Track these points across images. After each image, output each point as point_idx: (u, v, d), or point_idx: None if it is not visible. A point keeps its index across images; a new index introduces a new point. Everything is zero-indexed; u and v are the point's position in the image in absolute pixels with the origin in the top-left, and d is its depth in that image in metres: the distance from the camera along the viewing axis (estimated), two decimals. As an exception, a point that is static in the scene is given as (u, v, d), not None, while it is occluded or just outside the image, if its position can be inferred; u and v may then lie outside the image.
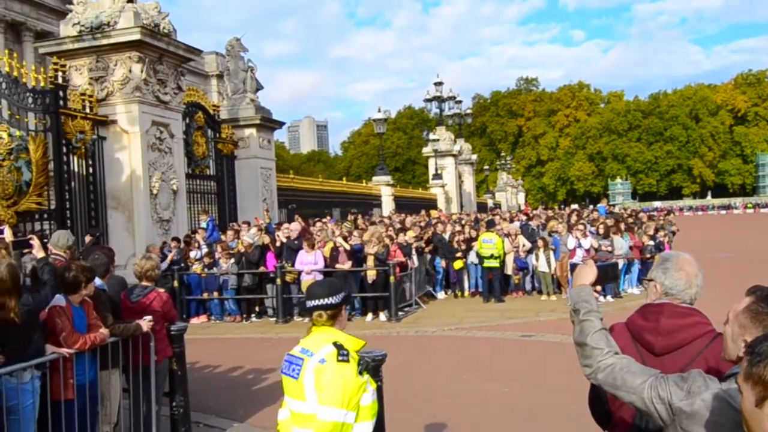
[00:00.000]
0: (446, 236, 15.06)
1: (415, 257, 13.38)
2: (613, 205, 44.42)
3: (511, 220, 17.46)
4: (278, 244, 12.70)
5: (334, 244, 12.53)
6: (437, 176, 32.15)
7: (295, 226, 13.13)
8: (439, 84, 33.17)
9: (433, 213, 22.22)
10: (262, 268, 12.42)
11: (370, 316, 12.13)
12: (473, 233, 14.93)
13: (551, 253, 13.68)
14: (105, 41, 11.41)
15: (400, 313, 12.16)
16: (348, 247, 12.39)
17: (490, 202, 46.73)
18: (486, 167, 62.36)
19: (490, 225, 14.78)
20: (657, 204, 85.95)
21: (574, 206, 49.35)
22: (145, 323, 5.19)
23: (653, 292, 2.51)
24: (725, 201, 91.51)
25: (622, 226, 15.00)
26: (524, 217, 19.01)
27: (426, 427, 6.01)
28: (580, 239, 13.35)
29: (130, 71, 11.53)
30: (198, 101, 14.82)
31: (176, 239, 12.15)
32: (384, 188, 26.98)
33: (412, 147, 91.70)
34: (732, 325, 1.95)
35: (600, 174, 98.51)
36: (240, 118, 16.71)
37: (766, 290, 1.94)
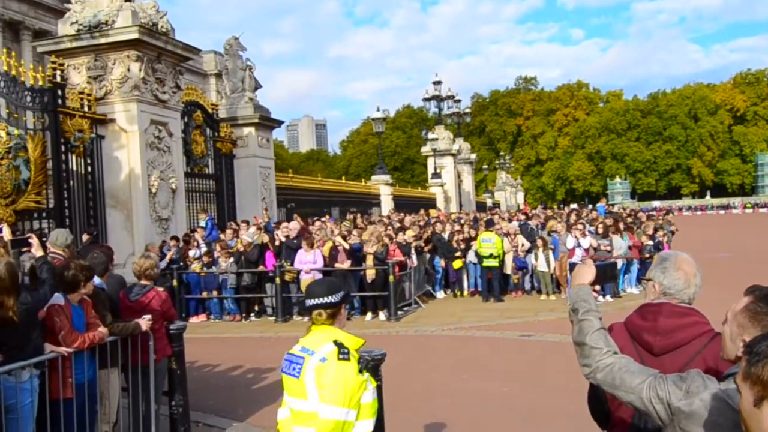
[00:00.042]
0: (445, 236, 15.06)
1: (414, 256, 13.38)
2: (612, 205, 44.39)
3: (510, 220, 17.47)
4: (277, 243, 12.70)
5: (333, 244, 12.52)
6: (436, 175, 32.15)
7: (294, 225, 13.13)
8: (437, 83, 33.14)
9: (432, 212, 22.24)
10: (261, 267, 12.42)
11: (369, 315, 12.14)
12: (472, 233, 14.93)
13: (550, 252, 13.69)
14: (103, 40, 11.40)
15: (399, 312, 12.16)
16: (347, 247, 12.40)
17: (489, 202, 46.70)
18: (485, 166, 62.30)
19: (489, 224, 14.78)
20: (656, 204, 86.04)
21: (573, 206, 49.46)
22: (144, 322, 5.19)
23: (652, 291, 2.52)
24: (724, 201, 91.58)
25: (621, 225, 15.01)
26: (523, 217, 19.02)
27: (425, 427, 6.01)
28: (579, 239, 13.36)
29: (128, 70, 11.52)
30: (196, 100, 14.81)
31: (175, 238, 12.15)
32: (383, 187, 26.97)
33: (411, 146, 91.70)
34: (730, 325, 1.95)
35: (599, 173, 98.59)
36: (238, 117, 16.70)
37: (764, 290, 1.94)
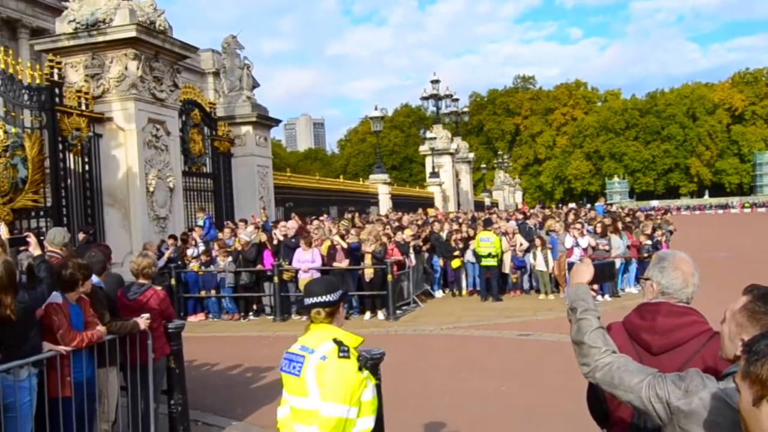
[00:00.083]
0: (443, 235, 15.07)
1: (412, 256, 13.38)
2: (611, 204, 44.46)
3: (508, 219, 17.48)
4: (275, 242, 12.69)
5: (332, 243, 12.52)
6: (434, 174, 32.15)
7: (292, 224, 13.11)
8: (435, 82, 33.12)
9: (431, 211, 22.26)
10: (259, 266, 12.41)
11: (368, 314, 12.13)
12: (470, 232, 14.93)
13: (549, 252, 13.70)
14: (101, 38, 11.38)
15: (397, 311, 12.17)
16: (345, 246, 12.39)
17: (487, 201, 46.68)
18: (483, 166, 62.27)
19: (488, 224, 14.77)
20: (654, 203, 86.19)
21: (572, 205, 49.45)
22: (143, 321, 5.18)
23: (650, 291, 2.52)
24: (722, 200, 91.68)
25: (620, 225, 15.01)
26: (521, 216, 19.03)
27: (424, 426, 6.01)
28: (577, 238, 13.37)
29: (126, 68, 11.51)
30: (194, 98, 14.80)
31: (173, 237, 12.14)
32: (381, 186, 26.95)
33: (409, 145, 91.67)
34: (729, 324, 1.95)
35: (597, 173, 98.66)
36: (236, 116, 16.68)
37: (762, 289, 1.94)
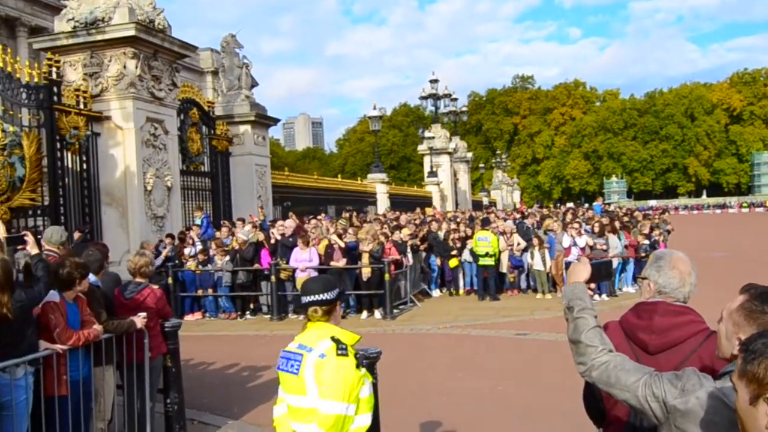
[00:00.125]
0: (441, 234, 15.07)
1: (410, 255, 13.38)
2: (609, 204, 44.52)
3: (506, 219, 17.48)
4: (273, 241, 12.68)
5: (329, 242, 12.52)
6: (432, 174, 32.16)
7: (290, 224, 13.11)
8: (434, 81, 33.14)
9: (428, 211, 22.26)
10: (256, 265, 12.40)
11: (365, 313, 12.13)
12: (468, 231, 14.94)
13: (546, 251, 13.70)
14: (99, 37, 11.37)
15: (395, 310, 12.17)
16: (343, 245, 12.39)
17: (485, 200, 46.68)
18: (481, 165, 62.38)
19: (486, 223, 14.78)
20: (652, 203, 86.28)
21: (570, 205, 49.55)
22: (139, 320, 5.18)
23: (647, 290, 2.52)
24: (720, 200, 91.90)
25: (618, 224, 15.04)
26: (519, 216, 19.04)
27: (421, 425, 6.01)
28: (575, 237, 13.38)
29: (124, 67, 11.49)
30: (193, 98, 14.79)
31: (170, 236, 12.13)
32: (379, 186, 26.96)
33: (408, 144, 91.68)
34: (726, 323, 1.95)
35: (595, 172, 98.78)
36: (235, 115, 16.67)
37: (759, 288, 1.94)
